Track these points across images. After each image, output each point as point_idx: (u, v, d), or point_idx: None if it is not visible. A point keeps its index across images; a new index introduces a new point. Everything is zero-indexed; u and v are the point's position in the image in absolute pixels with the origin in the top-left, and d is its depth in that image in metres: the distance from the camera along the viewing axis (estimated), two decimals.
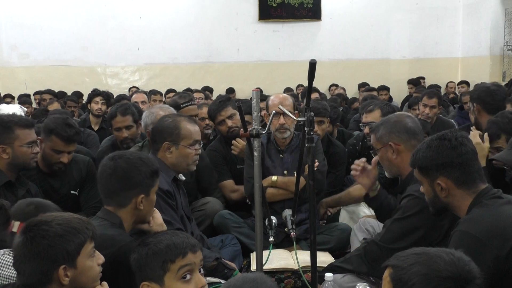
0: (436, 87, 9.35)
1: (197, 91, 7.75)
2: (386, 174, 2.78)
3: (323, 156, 3.59)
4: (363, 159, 2.84)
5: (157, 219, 2.33)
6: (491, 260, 1.81)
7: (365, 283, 2.30)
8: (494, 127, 3.07)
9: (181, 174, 2.92)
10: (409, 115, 2.91)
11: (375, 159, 2.81)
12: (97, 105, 5.56)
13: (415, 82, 10.02)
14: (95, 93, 5.71)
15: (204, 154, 3.74)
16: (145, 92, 6.35)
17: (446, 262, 1.42)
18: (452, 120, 5.23)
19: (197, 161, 2.94)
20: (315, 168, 3.30)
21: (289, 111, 3.34)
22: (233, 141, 3.89)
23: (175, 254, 1.81)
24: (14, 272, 2.12)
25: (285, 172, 3.48)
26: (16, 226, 2.21)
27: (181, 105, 4.16)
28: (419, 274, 1.41)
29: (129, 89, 9.91)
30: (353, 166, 2.88)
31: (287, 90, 10.15)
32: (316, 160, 3.37)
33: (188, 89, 7.75)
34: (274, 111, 2.80)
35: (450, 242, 1.92)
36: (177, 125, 2.86)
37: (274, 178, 3.44)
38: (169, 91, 8.36)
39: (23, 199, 2.42)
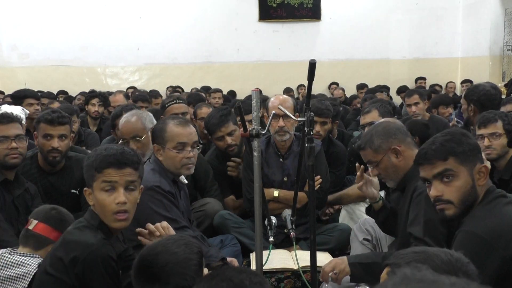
0: (436, 87, 9.35)
1: (198, 91, 7.74)
2: (390, 184, 2.67)
3: (326, 170, 3.53)
4: (362, 167, 2.74)
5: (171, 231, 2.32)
6: (497, 260, 1.79)
7: (365, 284, 2.30)
8: (492, 113, 3.16)
9: (182, 177, 2.91)
10: (387, 119, 2.91)
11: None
12: (94, 108, 5.57)
13: (404, 89, 9.87)
14: (91, 95, 5.70)
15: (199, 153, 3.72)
16: (125, 93, 6.21)
17: (443, 262, 1.42)
18: (447, 120, 5.25)
19: (190, 165, 2.83)
20: (317, 186, 3.33)
21: (292, 106, 3.33)
22: (229, 163, 3.81)
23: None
24: (15, 272, 2.12)
25: (285, 179, 3.45)
26: (33, 224, 2.23)
27: (166, 105, 4.21)
28: None
29: (127, 89, 9.91)
30: (357, 180, 2.77)
31: (287, 91, 10.16)
32: (318, 176, 3.38)
33: (179, 89, 7.71)
34: (273, 112, 2.78)
35: (455, 242, 1.88)
36: (164, 127, 2.84)
37: (276, 193, 3.40)
38: (175, 90, 8.36)
39: (47, 205, 2.43)
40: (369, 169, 2.68)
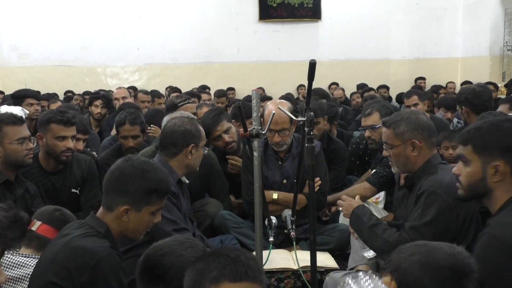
0: (436, 87, 9.33)
1: (200, 91, 7.72)
2: (395, 170, 2.68)
3: (325, 171, 3.53)
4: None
5: None
6: None
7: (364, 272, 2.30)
8: (491, 114, 3.16)
9: (184, 177, 2.94)
10: (423, 113, 2.88)
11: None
12: (97, 109, 5.59)
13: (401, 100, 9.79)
14: (95, 96, 5.75)
15: (216, 159, 3.71)
16: (133, 88, 6.31)
17: (446, 253, 1.46)
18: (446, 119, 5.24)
19: None
20: (317, 188, 3.31)
21: (287, 119, 3.24)
22: (230, 160, 3.81)
23: None
24: (17, 273, 2.12)
25: (284, 181, 3.45)
26: (36, 225, 2.23)
27: (178, 104, 4.17)
28: (418, 263, 1.46)
29: (127, 89, 9.91)
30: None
31: (286, 95, 10.09)
32: (318, 178, 3.37)
33: (190, 91, 7.70)
34: (273, 112, 2.76)
35: (478, 244, 1.84)
36: (198, 127, 2.95)
37: (275, 195, 3.40)
38: (174, 90, 8.31)
39: (50, 206, 2.44)
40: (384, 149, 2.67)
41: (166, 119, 3.62)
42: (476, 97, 3.83)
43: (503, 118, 2.06)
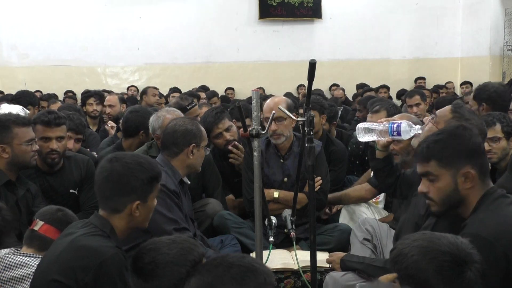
0: (438, 87, 9.33)
1: (200, 91, 7.73)
2: (396, 159, 2.68)
3: (326, 172, 3.52)
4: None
5: None
6: (502, 260, 1.78)
7: (364, 283, 2.31)
8: (490, 116, 3.19)
9: (186, 178, 2.96)
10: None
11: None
12: (92, 107, 5.61)
13: (403, 93, 9.78)
14: (87, 95, 5.74)
15: (210, 155, 3.72)
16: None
17: (449, 241, 1.49)
18: None
19: None
20: (317, 187, 3.31)
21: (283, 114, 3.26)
22: (231, 148, 3.79)
23: None
24: (18, 273, 2.12)
25: (285, 179, 3.45)
26: (39, 225, 2.23)
27: (187, 107, 4.17)
28: (419, 247, 1.48)
29: (128, 88, 9.96)
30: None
31: (287, 95, 10.12)
32: (319, 178, 3.38)
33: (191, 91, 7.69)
34: (267, 114, 2.78)
35: None
36: (199, 127, 2.98)
37: (276, 194, 3.41)
38: (174, 90, 8.30)
39: (52, 206, 2.43)
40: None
41: (152, 119, 3.60)
42: (500, 96, 3.85)
43: (449, 127, 2.08)
